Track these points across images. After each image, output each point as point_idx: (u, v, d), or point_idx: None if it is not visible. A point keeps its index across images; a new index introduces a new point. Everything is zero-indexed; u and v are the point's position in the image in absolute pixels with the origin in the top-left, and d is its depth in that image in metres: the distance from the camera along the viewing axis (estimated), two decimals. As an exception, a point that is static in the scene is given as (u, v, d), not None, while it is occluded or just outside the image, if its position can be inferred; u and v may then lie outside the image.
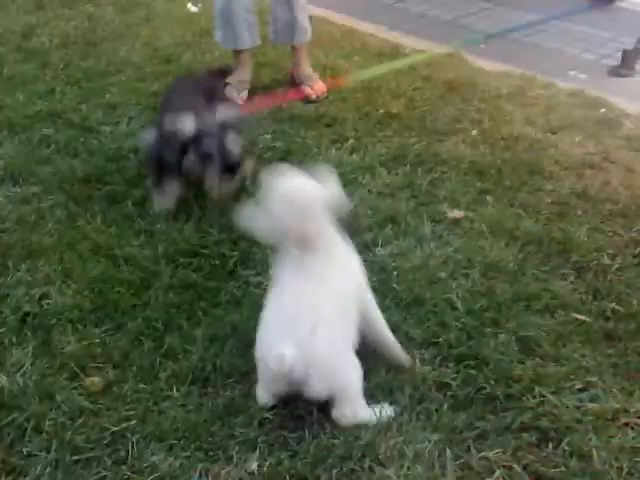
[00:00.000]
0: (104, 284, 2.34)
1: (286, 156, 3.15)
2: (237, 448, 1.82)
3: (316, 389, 1.80)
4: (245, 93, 3.69)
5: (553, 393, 1.95)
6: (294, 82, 3.81)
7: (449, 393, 1.96)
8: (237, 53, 3.71)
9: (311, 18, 3.81)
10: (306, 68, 3.83)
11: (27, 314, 2.24)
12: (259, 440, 1.84)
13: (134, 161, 3.03)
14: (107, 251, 2.50)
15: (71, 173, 2.94)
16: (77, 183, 2.88)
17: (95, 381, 2.01)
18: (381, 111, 3.56)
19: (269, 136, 3.31)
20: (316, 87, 3.74)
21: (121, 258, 2.47)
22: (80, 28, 4.48)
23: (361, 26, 4.71)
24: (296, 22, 3.66)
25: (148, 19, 4.67)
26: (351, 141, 3.29)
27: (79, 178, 2.91)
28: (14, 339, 2.15)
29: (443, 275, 2.38)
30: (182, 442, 1.84)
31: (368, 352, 2.01)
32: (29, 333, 2.17)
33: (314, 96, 3.70)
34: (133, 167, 2.99)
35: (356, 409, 1.85)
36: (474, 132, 3.35)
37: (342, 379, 1.82)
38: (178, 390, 1.99)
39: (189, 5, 4.87)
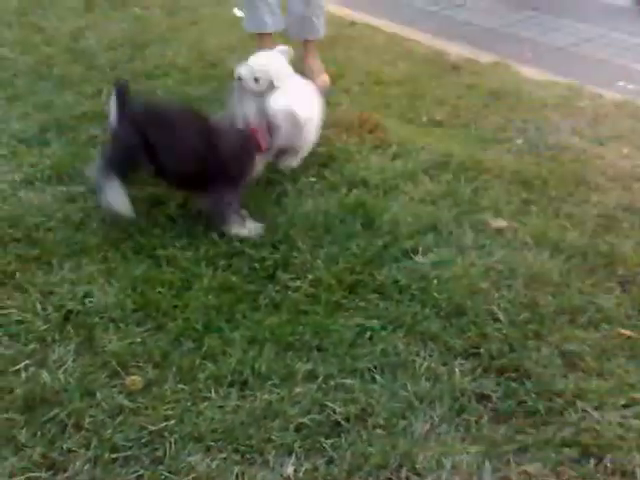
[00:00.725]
0: (146, 284, 2.36)
1: (328, 161, 3.16)
2: (273, 452, 1.82)
3: None
4: None
5: (596, 408, 1.91)
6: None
7: (489, 405, 1.93)
8: (260, 37, 3.90)
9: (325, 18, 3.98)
10: (312, 62, 3.96)
11: (70, 312, 2.27)
12: (295, 445, 1.83)
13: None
14: (150, 251, 2.52)
15: (117, 173, 2.98)
16: (122, 184, 2.91)
17: (136, 380, 2.02)
18: (425, 118, 3.55)
19: (312, 141, 3.31)
20: (318, 80, 3.85)
21: (163, 259, 2.49)
22: (128, 30, 4.55)
23: (406, 33, 4.70)
24: (309, 19, 3.83)
25: (194, 22, 4.73)
26: (394, 147, 3.28)
27: (124, 179, 2.94)
28: (57, 336, 2.18)
29: (485, 285, 2.35)
30: (219, 444, 1.84)
31: (407, 362, 2.01)
32: (72, 330, 2.20)
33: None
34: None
35: None
36: (519, 141, 3.31)
37: None
38: (217, 392, 1.99)
39: (235, 10, 4.91)
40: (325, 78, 3.92)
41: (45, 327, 2.21)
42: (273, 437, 1.85)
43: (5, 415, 1.91)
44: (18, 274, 2.42)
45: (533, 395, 1.95)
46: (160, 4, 5.02)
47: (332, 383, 2.00)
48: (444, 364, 2.05)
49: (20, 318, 2.24)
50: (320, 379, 2.01)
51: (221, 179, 2.64)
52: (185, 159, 2.61)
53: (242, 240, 2.60)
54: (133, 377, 2.03)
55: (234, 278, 2.42)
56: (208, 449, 1.83)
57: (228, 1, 4.99)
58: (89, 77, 3.87)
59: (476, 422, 1.88)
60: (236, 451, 1.83)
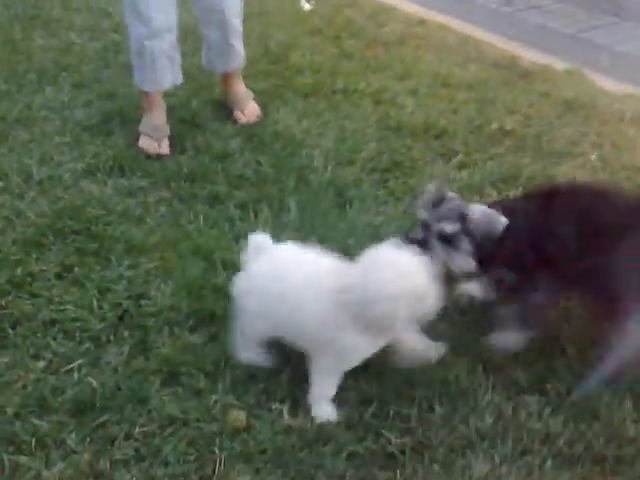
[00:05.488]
0: (201, 289, 2.32)
1: (392, 168, 3.07)
2: (324, 480, 1.76)
3: None
4: (166, 142, 3.12)
5: (670, 461, 1.79)
6: (227, 106, 3.45)
7: (554, 448, 1.82)
8: (148, 94, 3.17)
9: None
10: (238, 90, 3.44)
11: (126, 311, 2.25)
12: (347, 474, 1.76)
13: (239, 161, 3.01)
14: (207, 253, 2.47)
15: (177, 169, 2.95)
16: (182, 180, 2.88)
17: (240, 416, 1.91)
18: (494, 126, 3.42)
19: (375, 145, 3.22)
20: (248, 111, 3.39)
21: (219, 262, 2.44)
22: (192, 19, 4.50)
23: (478, 34, 4.55)
24: (231, 48, 3.29)
25: (260, 14, 4.65)
26: (460, 156, 3.16)
27: (184, 175, 2.91)
28: (111, 336, 2.16)
29: (552, 314, 2.22)
30: (269, 466, 1.79)
31: (468, 394, 1.92)
32: (126, 332, 2.17)
33: (244, 120, 3.36)
34: (237, 168, 2.97)
35: None
36: (593, 157, 3.15)
37: None
38: (269, 409, 1.94)
39: (303, 2, 4.83)
40: (254, 107, 3.42)
41: (100, 326, 2.19)
42: (324, 463, 1.79)
43: (55, 417, 1.89)
44: (76, 268, 2.41)
45: (601, 440, 1.84)
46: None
47: (388, 410, 1.92)
48: (508, 399, 1.95)
49: (76, 315, 2.22)
50: (375, 404, 1.93)
51: None
52: None
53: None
54: (237, 412, 1.92)
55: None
56: (257, 471, 1.78)
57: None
58: (154, 66, 3.83)
59: (539, 466, 1.78)
60: (285, 475, 1.77)
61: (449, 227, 2.03)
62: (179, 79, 3.20)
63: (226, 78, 3.45)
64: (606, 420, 1.89)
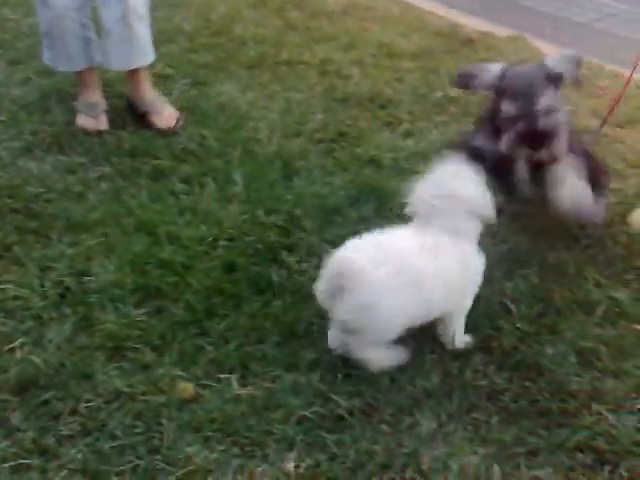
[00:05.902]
0: (146, 264, 2.28)
1: (338, 138, 3.05)
2: (274, 446, 1.75)
3: None
4: (103, 117, 3.01)
5: (612, 411, 1.83)
6: (135, 110, 3.08)
7: (500, 404, 1.85)
8: (80, 72, 3.02)
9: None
10: (149, 91, 3.06)
11: (68, 289, 2.20)
12: (297, 439, 1.76)
13: (183, 136, 2.95)
14: (151, 228, 2.44)
15: (118, 144, 2.89)
16: (124, 156, 2.82)
17: (188, 387, 1.89)
18: (439, 94, 3.43)
19: (321, 116, 3.20)
20: (166, 115, 3.03)
21: (164, 236, 2.40)
22: None
23: (420, 3, 4.56)
24: (135, 40, 2.89)
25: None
26: (405, 125, 3.17)
27: (126, 150, 2.85)
28: (54, 314, 2.11)
29: (498, 274, 2.25)
30: (218, 435, 1.77)
31: (415, 355, 1.93)
32: (69, 309, 2.12)
33: (164, 127, 2.98)
34: (181, 142, 2.92)
35: None
36: (536, 121, 3.18)
37: None
38: (217, 379, 1.92)
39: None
40: (172, 113, 3.05)
41: (42, 304, 2.14)
42: (274, 430, 1.78)
43: (-2, 396, 1.85)
44: (16, 247, 2.35)
45: (546, 394, 1.87)
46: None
47: (337, 374, 1.92)
48: (454, 358, 1.97)
49: (17, 294, 2.17)
50: (324, 369, 1.93)
51: None
52: None
53: (247, 218, 2.51)
54: (186, 384, 1.90)
55: (237, 259, 2.34)
56: (207, 440, 1.76)
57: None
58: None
59: (485, 422, 1.80)
60: (235, 443, 1.76)
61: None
62: (96, 60, 3.01)
63: (131, 75, 3.04)
64: (550, 375, 1.92)
